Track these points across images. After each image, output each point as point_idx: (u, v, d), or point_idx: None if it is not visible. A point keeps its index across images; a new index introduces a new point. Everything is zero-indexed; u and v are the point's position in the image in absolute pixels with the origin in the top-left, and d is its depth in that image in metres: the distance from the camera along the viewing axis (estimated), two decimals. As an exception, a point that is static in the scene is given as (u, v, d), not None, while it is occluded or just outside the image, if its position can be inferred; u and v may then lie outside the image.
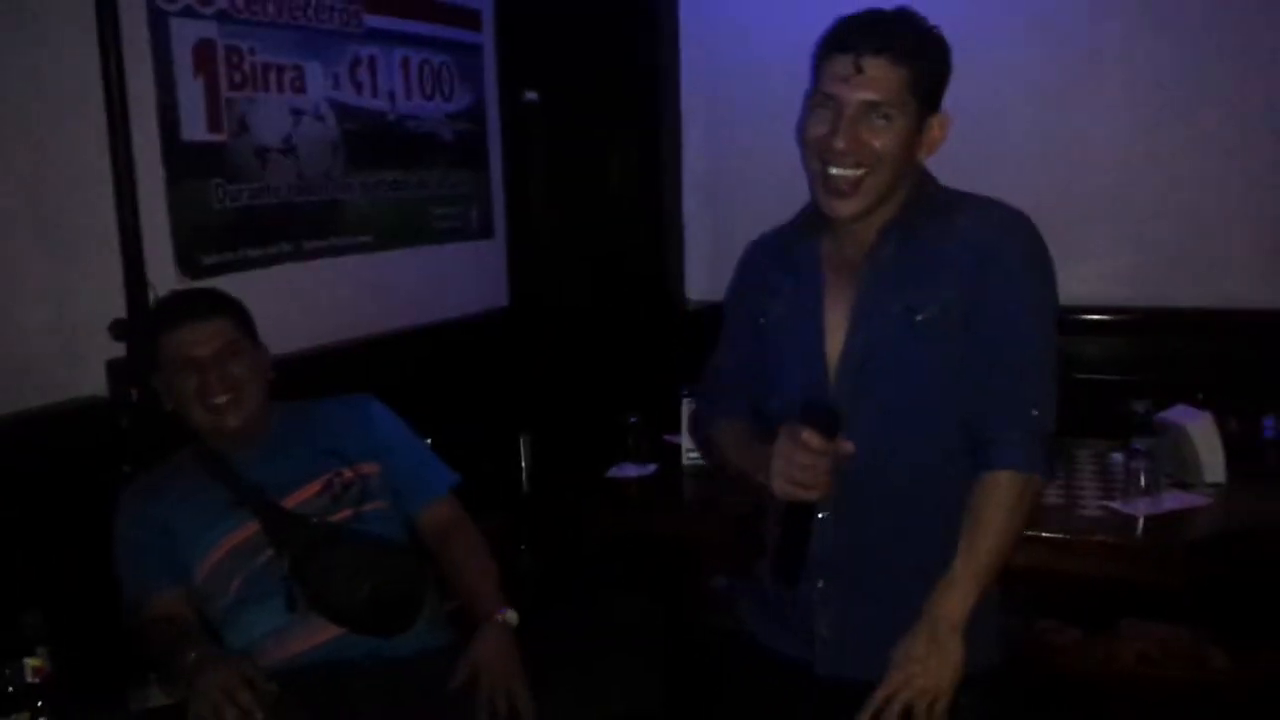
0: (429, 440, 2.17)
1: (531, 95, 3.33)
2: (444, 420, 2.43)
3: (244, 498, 1.90)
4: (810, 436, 1.46)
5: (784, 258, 1.67)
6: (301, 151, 2.58)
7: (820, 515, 1.54)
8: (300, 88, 2.57)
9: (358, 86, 2.75)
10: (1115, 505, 2.27)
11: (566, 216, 3.47)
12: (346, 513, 1.94)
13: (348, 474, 1.97)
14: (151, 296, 2.15)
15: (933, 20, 1.54)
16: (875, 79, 1.48)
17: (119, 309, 2.13)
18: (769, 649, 1.65)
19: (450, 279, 3.14)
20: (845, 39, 1.50)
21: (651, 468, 2.69)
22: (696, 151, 3.55)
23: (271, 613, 1.84)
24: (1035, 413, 1.49)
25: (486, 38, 3.25)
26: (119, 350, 2.13)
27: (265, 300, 2.18)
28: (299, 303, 2.56)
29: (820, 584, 1.58)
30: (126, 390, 2.12)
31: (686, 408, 2.62)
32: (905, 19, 1.52)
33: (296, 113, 2.57)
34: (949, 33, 1.55)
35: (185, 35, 2.28)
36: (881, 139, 1.50)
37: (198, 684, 1.64)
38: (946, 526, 1.51)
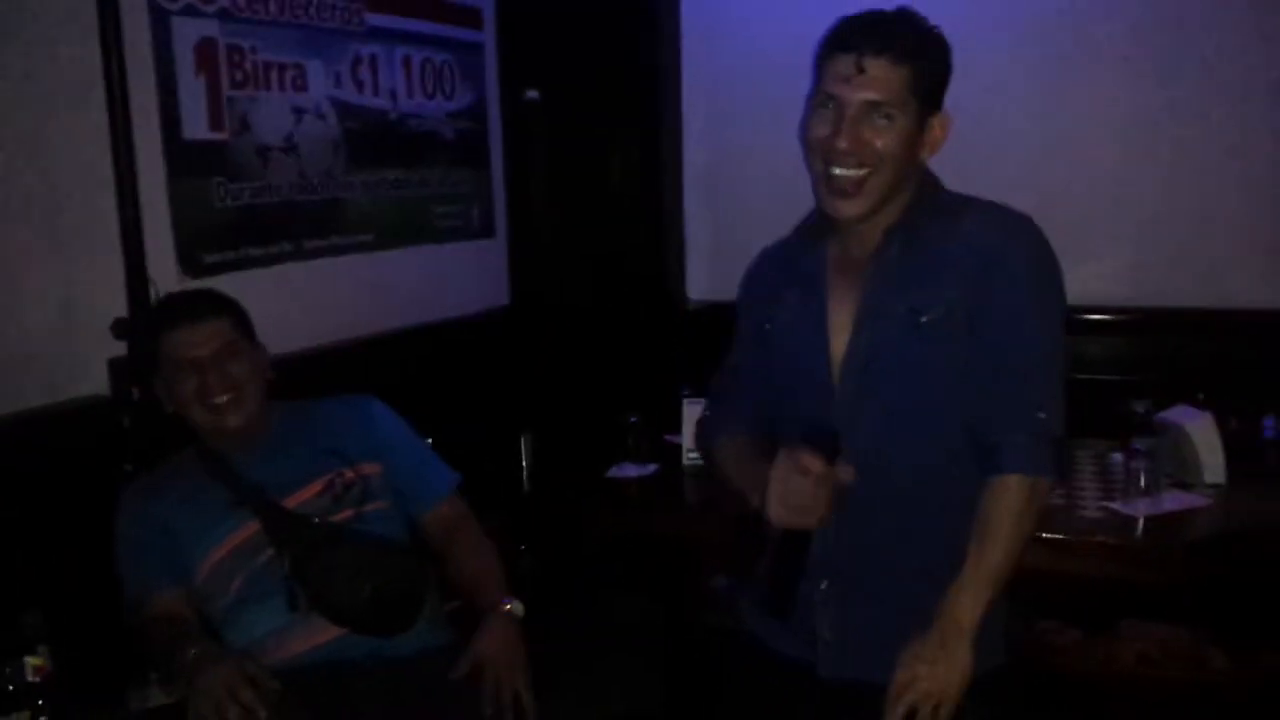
0: (430, 440, 2.17)
1: (532, 94, 3.33)
2: (445, 420, 2.42)
3: (245, 497, 1.90)
4: (811, 460, 1.44)
5: (790, 268, 1.67)
6: (303, 150, 2.59)
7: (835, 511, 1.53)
8: (302, 86, 2.57)
9: (359, 85, 2.75)
10: (1115, 506, 2.27)
11: (567, 215, 3.47)
12: (348, 513, 1.94)
13: (349, 474, 1.97)
14: (153, 295, 2.15)
15: (933, 20, 1.55)
16: (877, 79, 1.48)
17: (120, 308, 2.14)
18: (770, 649, 1.65)
19: (451, 278, 3.14)
20: (847, 39, 1.50)
21: (652, 468, 2.69)
22: (697, 150, 3.56)
23: (272, 612, 1.84)
24: (1041, 415, 1.49)
25: (488, 36, 3.25)
26: (120, 349, 2.13)
27: (266, 299, 2.18)
28: (300, 301, 2.57)
29: (823, 585, 1.58)
30: (128, 389, 2.12)
31: (687, 407, 2.62)
32: (906, 19, 1.53)
33: (298, 111, 2.57)
34: (949, 32, 1.55)
35: (187, 34, 2.28)
36: (884, 139, 1.50)
37: (199, 682, 1.64)
38: (950, 527, 1.51)
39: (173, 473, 1.95)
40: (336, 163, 2.69)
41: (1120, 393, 2.63)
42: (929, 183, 1.60)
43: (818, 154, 1.54)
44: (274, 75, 2.49)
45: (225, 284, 2.22)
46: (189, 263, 2.31)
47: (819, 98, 1.54)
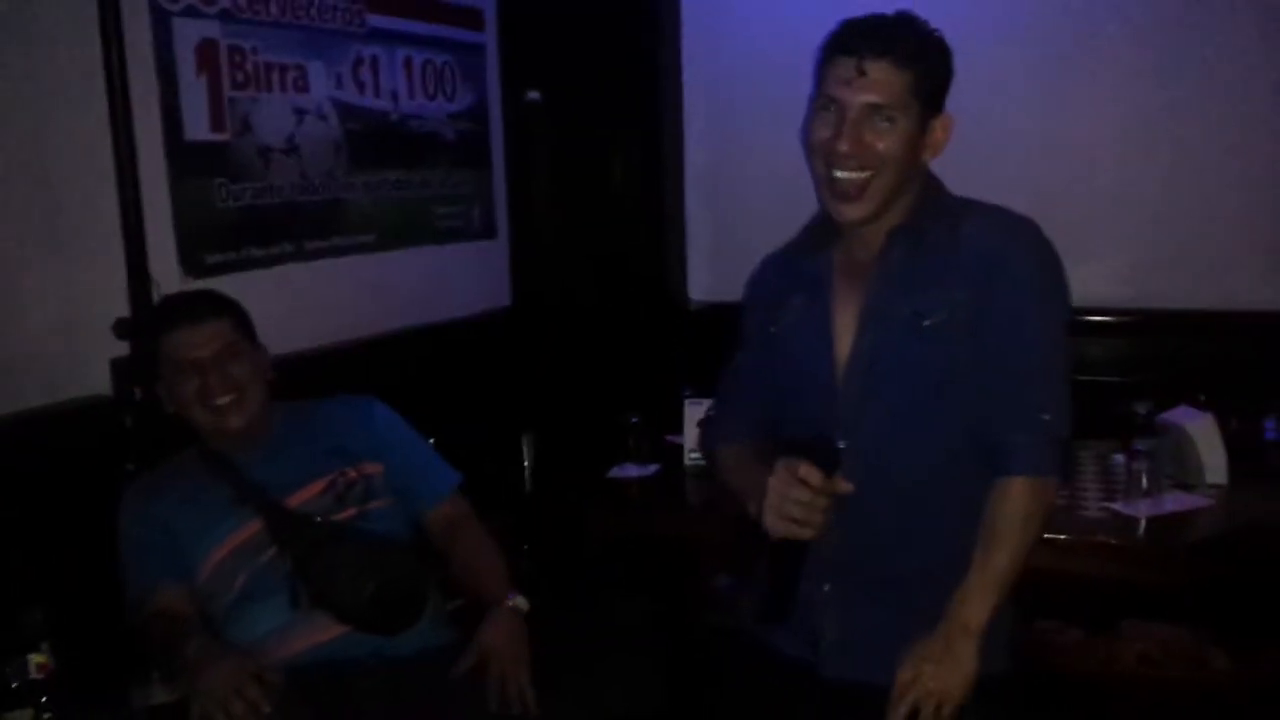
0: (431, 440, 2.17)
1: (534, 95, 3.33)
2: (446, 420, 2.43)
3: (247, 496, 1.90)
4: (809, 472, 1.45)
5: (795, 272, 1.67)
6: (304, 151, 2.59)
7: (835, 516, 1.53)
8: (303, 87, 2.57)
9: (360, 86, 2.75)
10: (1117, 506, 2.27)
11: (569, 216, 3.47)
12: (351, 511, 1.94)
13: (351, 473, 1.98)
14: (155, 295, 2.16)
15: (933, 21, 1.55)
16: (878, 81, 1.49)
17: (122, 308, 2.14)
18: (771, 649, 1.66)
19: (453, 279, 3.14)
20: (848, 42, 1.51)
21: (653, 468, 2.69)
22: (698, 150, 3.56)
23: (275, 611, 1.84)
24: (1045, 417, 1.49)
25: (489, 37, 3.25)
26: (122, 349, 2.13)
27: (268, 300, 2.19)
28: (302, 302, 2.57)
29: (826, 587, 1.58)
30: (130, 389, 2.12)
31: (688, 408, 2.62)
32: (907, 22, 1.53)
33: (299, 112, 2.57)
34: (949, 33, 1.56)
35: (188, 35, 2.28)
36: (885, 141, 1.50)
37: (203, 678, 1.65)
38: (951, 529, 1.52)
39: (174, 473, 1.96)
40: (338, 164, 2.69)
41: (1121, 394, 2.63)
42: (932, 185, 1.61)
43: (820, 157, 1.54)
44: (275, 76, 2.50)
45: (227, 284, 2.23)
46: (191, 263, 2.31)
47: (820, 101, 1.54)
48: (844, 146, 1.50)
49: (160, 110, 2.23)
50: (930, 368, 1.53)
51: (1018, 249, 1.53)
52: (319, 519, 1.91)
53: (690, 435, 2.64)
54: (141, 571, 1.89)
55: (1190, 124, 2.98)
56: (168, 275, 2.22)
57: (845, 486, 1.48)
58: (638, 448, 2.72)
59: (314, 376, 2.33)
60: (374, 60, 2.80)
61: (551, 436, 3.14)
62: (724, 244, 3.50)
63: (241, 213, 2.42)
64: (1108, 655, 2.38)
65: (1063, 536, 2.16)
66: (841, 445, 1.54)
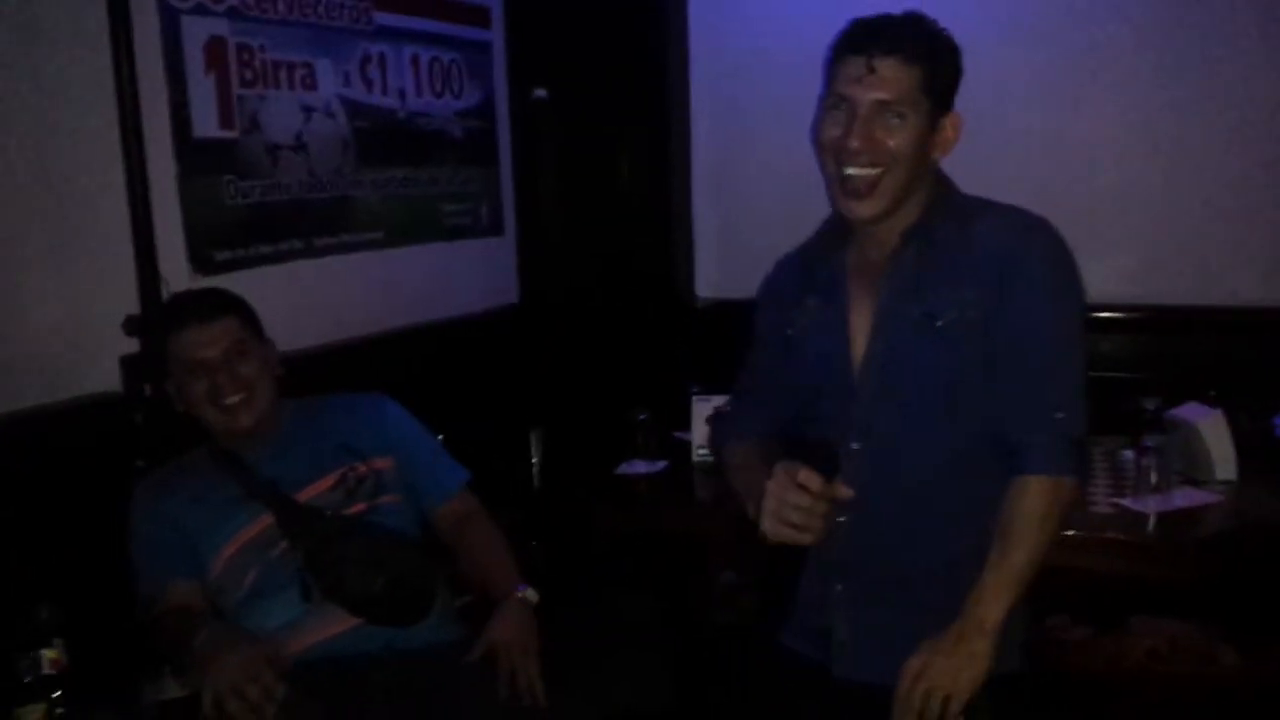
0: (440, 437, 2.18)
1: (541, 92, 3.33)
2: (454, 417, 2.43)
3: (257, 492, 1.91)
4: (808, 477, 1.44)
5: (809, 274, 1.67)
6: (312, 148, 2.59)
7: (841, 520, 1.53)
8: (311, 85, 2.58)
9: (368, 84, 2.76)
10: (1126, 502, 2.26)
11: (576, 213, 3.47)
12: (361, 506, 1.95)
13: (361, 468, 1.98)
14: (164, 292, 2.16)
15: (941, 21, 1.55)
16: (888, 79, 1.49)
17: (132, 305, 2.14)
18: (782, 647, 1.66)
19: (460, 276, 3.15)
20: (857, 41, 1.51)
21: (661, 465, 2.70)
22: (705, 148, 3.55)
23: (286, 604, 1.85)
24: (1060, 416, 1.49)
25: (496, 35, 3.25)
26: (132, 346, 2.14)
27: (276, 297, 2.19)
28: (310, 300, 2.57)
29: (838, 586, 1.58)
30: (140, 385, 2.12)
31: (696, 404, 2.62)
32: (916, 21, 1.54)
33: (307, 110, 2.57)
34: (956, 34, 1.56)
35: (196, 33, 2.28)
36: (895, 138, 1.50)
37: (214, 666, 1.65)
38: (961, 528, 1.51)
39: (184, 470, 1.97)
40: (346, 161, 2.70)
41: (1130, 390, 2.62)
42: (944, 185, 1.61)
43: (830, 155, 1.54)
44: (283, 74, 2.50)
45: (236, 282, 2.23)
46: (200, 260, 2.31)
47: (830, 100, 1.54)
48: (855, 143, 1.50)
49: (169, 108, 2.23)
50: (942, 368, 1.52)
51: (1031, 248, 1.52)
52: (329, 513, 1.91)
53: (698, 431, 2.64)
54: (153, 569, 1.89)
55: (1191, 123, 2.98)
56: (176, 272, 2.23)
57: (845, 492, 1.48)
58: (646, 444, 2.72)
59: (322, 373, 2.34)
60: (381, 58, 2.80)
61: (560, 433, 3.14)
62: (731, 241, 3.50)
63: (250, 210, 2.43)
64: (1117, 651, 2.37)
65: (1072, 532, 2.15)
66: (855, 447, 1.54)
